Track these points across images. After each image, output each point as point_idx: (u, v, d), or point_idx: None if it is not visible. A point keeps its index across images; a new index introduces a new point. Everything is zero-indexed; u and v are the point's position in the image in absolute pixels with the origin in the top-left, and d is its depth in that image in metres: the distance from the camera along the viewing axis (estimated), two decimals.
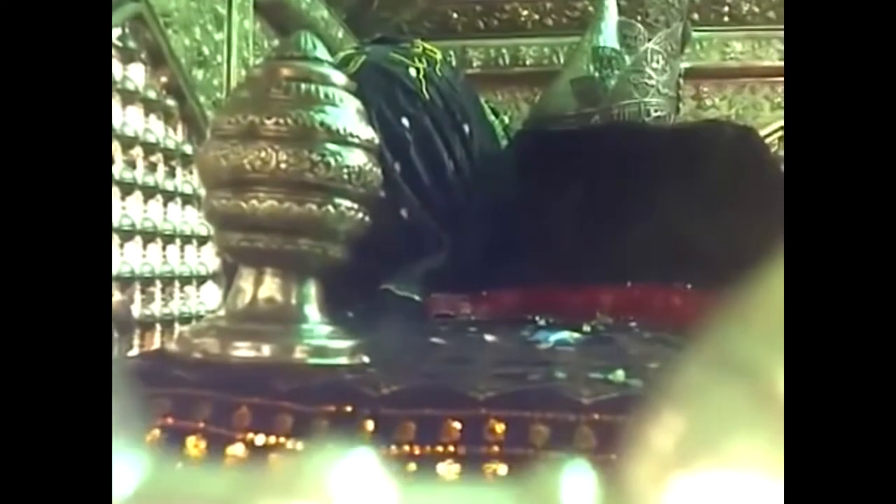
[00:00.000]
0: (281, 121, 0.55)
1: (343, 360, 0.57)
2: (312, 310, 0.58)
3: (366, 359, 0.58)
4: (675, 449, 0.21)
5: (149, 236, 1.14)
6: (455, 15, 2.22)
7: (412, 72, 1.09)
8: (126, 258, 1.08)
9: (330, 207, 0.56)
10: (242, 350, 0.55)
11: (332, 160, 0.55)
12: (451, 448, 0.45)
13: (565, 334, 0.76)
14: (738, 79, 2.18)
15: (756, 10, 2.15)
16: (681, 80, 1.27)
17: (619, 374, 0.52)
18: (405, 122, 1.05)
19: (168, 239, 1.19)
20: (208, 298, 1.29)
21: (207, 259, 1.29)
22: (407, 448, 0.45)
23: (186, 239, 1.24)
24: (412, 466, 0.45)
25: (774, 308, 0.21)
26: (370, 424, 0.46)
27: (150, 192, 1.14)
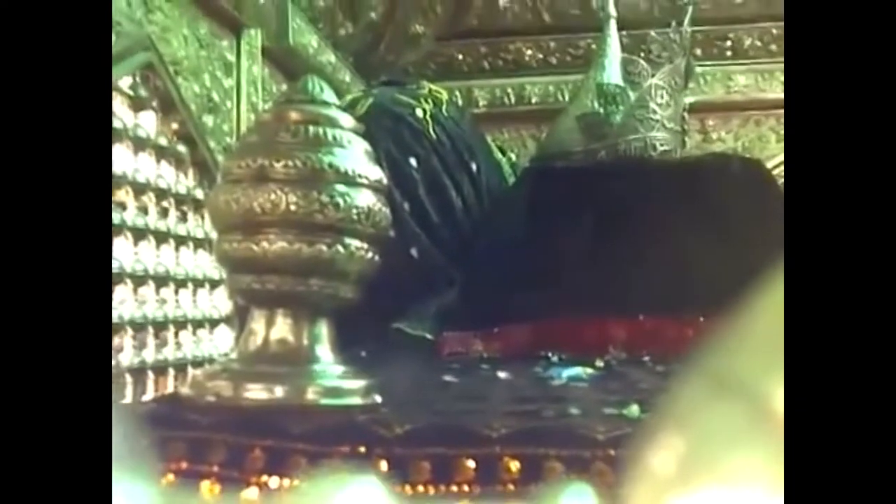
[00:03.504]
0: (290, 164, 0.55)
1: (356, 401, 0.56)
2: (324, 350, 0.58)
3: (378, 398, 0.58)
4: (675, 471, 0.21)
5: (161, 281, 1.15)
6: (460, 56, 2.25)
7: (419, 112, 1.10)
8: (139, 303, 1.08)
9: (340, 248, 0.57)
10: (255, 392, 0.55)
11: (341, 201, 0.56)
12: (467, 487, 0.45)
13: (578, 370, 0.75)
14: (744, 112, 2.19)
15: (758, 43, 2.17)
16: (686, 115, 1.27)
17: (634, 409, 0.52)
18: (413, 162, 1.06)
19: (180, 283, 1.20)
20: (221, 341, 1.29)
21: (220, 302, 1.30)
22: (422, 488, 0.45)
23: (199, 283, 1.25)
24: None
25: (772, 329, 0.21)
26: (384, 465, 0.46)
27: (162, 236, 1.15)
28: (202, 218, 1.24)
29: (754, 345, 0.22)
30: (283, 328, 0.58)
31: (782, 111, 2.12)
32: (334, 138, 0.58)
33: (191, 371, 1.17)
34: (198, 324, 1.24)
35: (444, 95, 1.18)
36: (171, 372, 1.16)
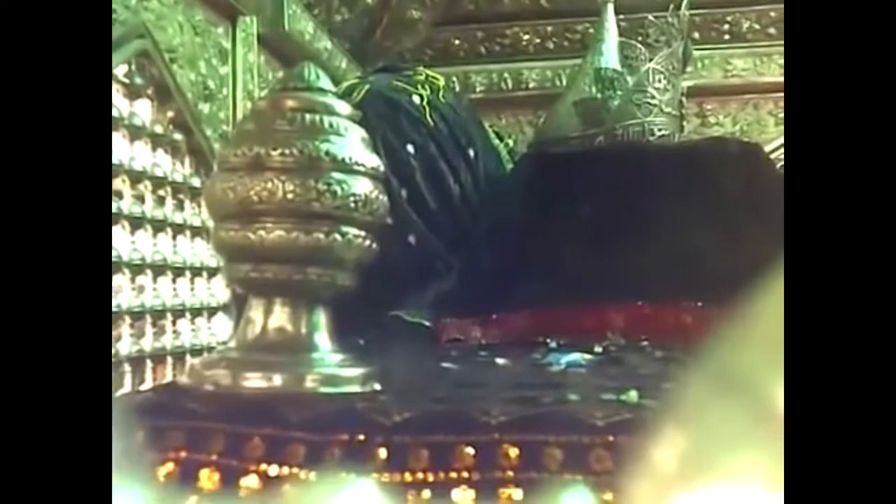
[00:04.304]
0: (287, 152, 0.55)
1: (354, 388, 0.56)
2: (323, 338, 0.58)
3: (377, 386, 0.58)
4: (677, 468, 0.21)
5: (159, 269, 1.14)
6: (457, 41, 2.24)
7: (415, 99, 1.09)
8: (137, 292, 1.08)
9: (337, 236, 0.56)
10: (254, 381, 0.55)
11: (338, 189, 0.56)
12: (465, 474, 0.45)
13: (577, 356, 0.75)
14: (742, 95, 2.18)
15: (756, 26, 2.16)
16: (684, 99, 1.27)
17: (633, 395, 0.52)
18: (410, 148, 1.05)
19: (178, 272, 1.20)
20: (219, 330, 1.29)
21: (217, 291, 1.30)
22: (421, 475, 0.45)
23: (196, 271, 1.25)
24: (426, 494, 0.45)
25: (773, 324, 0.21)
26: (383, 452, 0.46)
27: (159, 225, 1.15)
28: (199, 206, 1.24)
29: (757, 339, 0.22)
30: (281, 316, 0.58)
31: (780, 94, 2.11)
32: (331, 126, 0.57)
33: (189, 360, 1.17)
34: (196, 312, 1.24)
35: (441, 81, 1.17)
36: (170, 361, 1.16)
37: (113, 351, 1.02)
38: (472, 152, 1.14)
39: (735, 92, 2.17)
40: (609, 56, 1.27)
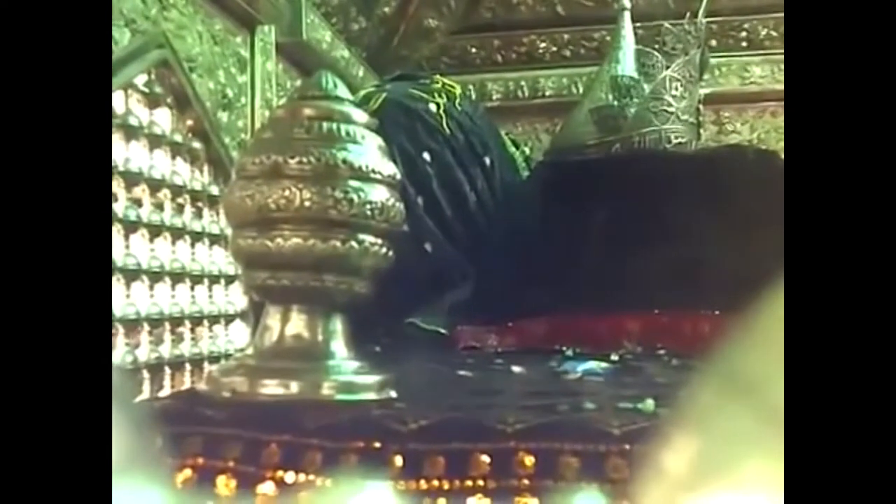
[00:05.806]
0: (304, 160, 0.55)
1: (371, 396, 0.57)
2: (339, 346, 0.59)
3: (393, 393, 0.58)
4: (687, 472, 0.21)
5: (177, 277, 1.15)
6: (473, 50, 2.24)
7: (432, 107, 1.10)
8: (156, 299, 1.09)
9: (354, 243, 0.57)
10: (271, 388, 0.55)
11: (355, 197, 0.56)
12: (481, 482, 0.45)
13: (593, 364, 0.75)
14: (759, 103, 2.17)
15: (774, 34, 2.14)
16: (701, 107, 1.27)
17: (649, 404, 0.51)
18: (427, 156, 1.06)
19: (196, 279, 1.20)
20: (237, 337, 1.30)
21: (235, 298, 1.30)
22: (436, 483, 0.45)
23: (214, 279, 1.26)
24: (442, 501, 0.45)
25: (779, 329, 0.21)
26: (399, 460, 0.46)
27: (177, 233, 1.16)
28: (217, 214, 1.24)
29: (767, 346, 0.22)
30: (298, 324, 0.58)
31: None
32: (348, 134, 0.58)
33: (207, 367, 1.17)
34: (213, 319, 1.25)
35: (458, 89, 1.18)
36: (188, 368, 1.16)
37: (131, 358, 1.03)
38: (488, 160, 1.14)
39: (752, 100, 2.16)
40: (626, 64, 1.27)
